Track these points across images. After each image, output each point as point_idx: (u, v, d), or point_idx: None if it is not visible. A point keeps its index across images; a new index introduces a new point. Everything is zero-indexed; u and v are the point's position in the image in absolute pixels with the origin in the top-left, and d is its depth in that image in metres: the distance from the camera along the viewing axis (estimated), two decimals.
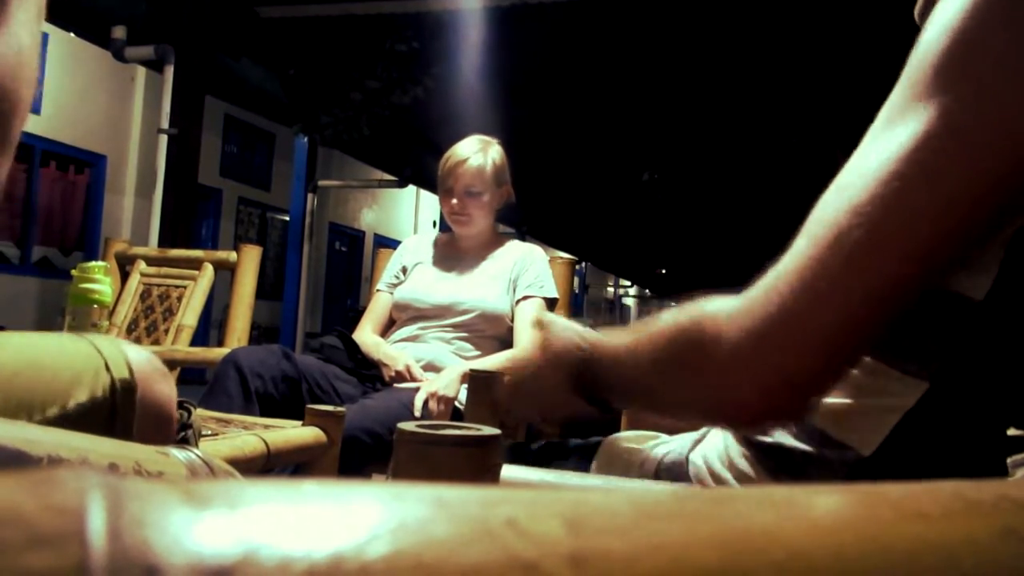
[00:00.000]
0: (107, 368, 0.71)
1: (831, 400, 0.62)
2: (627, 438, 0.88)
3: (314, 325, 9.44)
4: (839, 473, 0.61)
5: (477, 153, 1.92)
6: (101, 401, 0.70)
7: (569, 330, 0.69)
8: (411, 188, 10.70)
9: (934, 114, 0.46)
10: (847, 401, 0.61)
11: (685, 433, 0.83)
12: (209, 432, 1.20)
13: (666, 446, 0.80)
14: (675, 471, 0.75)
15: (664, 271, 17.10)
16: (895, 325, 0.53)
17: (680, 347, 0.54)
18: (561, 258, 2.13)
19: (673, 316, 0.56)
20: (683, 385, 0.56)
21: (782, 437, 0.65)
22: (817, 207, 0.50)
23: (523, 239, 2.23)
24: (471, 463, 0.37)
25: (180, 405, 0.95)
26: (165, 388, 0.76)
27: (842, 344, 0.49)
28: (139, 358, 0.74)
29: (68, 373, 0.70)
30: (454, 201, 1.92)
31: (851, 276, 0.47)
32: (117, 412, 0.70)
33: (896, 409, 0.59)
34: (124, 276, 2.44)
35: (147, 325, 2.33)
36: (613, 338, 0.64)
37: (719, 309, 0.52)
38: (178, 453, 0.53)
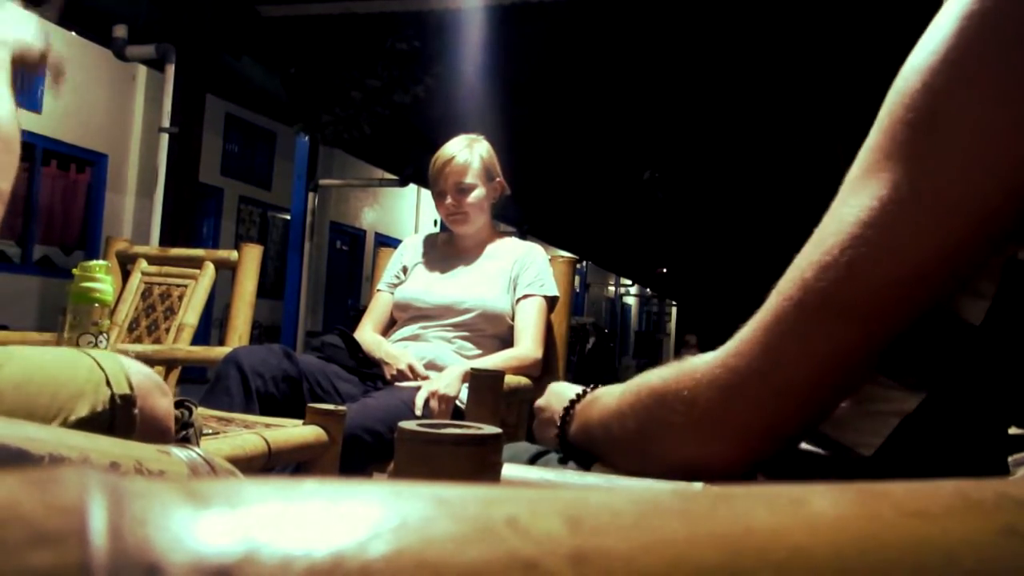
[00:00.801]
0: (107, 383, 0.72)
1: None
2: None
3: (315, 324, 9.44)
4: (841, 473, 0.61)
5: (463, 150, 1.92)
6: (101, 415, 0.70)
7: (562, 396, 0.76)
8: (412, 187, 10.70)
9: (898, 178, 0.47)
10: (843, 405, 0.61)
11: None
12: (210, 431, 1.20)
13: None
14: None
15: (665, 270, 17.10)
16: (894, 345, 0.54)
17: (656, 409, 0.57)
18: (562, 257, 2.13)
19: (651, 377, 0.59)
20: (662, 444, 0.58)
21: None
22: (794, 262, 0.51)
23: (524, 238, 2.23)
24: (472, 462, 0.37)
25: (181, 404, 0.95)
26: (164, 403, 0.77)
27: (810, 398, 0.52)
28: (139, 373, 0.75)
29: (69, 387, 0.70)
30: (448, 201, 1.92)
31: (813, 336, 0.50)
32: (117, 426, 0.71)
33: (895, 413, 0.59)
34: (125, 275, 2.44)
35: (148, 324, 2.33)
36: (603, 399, 0.68)
37: (694, 368, 0.54)
38: (179, 452, 0.53)
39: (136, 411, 0.72)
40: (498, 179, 1.97)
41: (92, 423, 0.69)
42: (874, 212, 0.48)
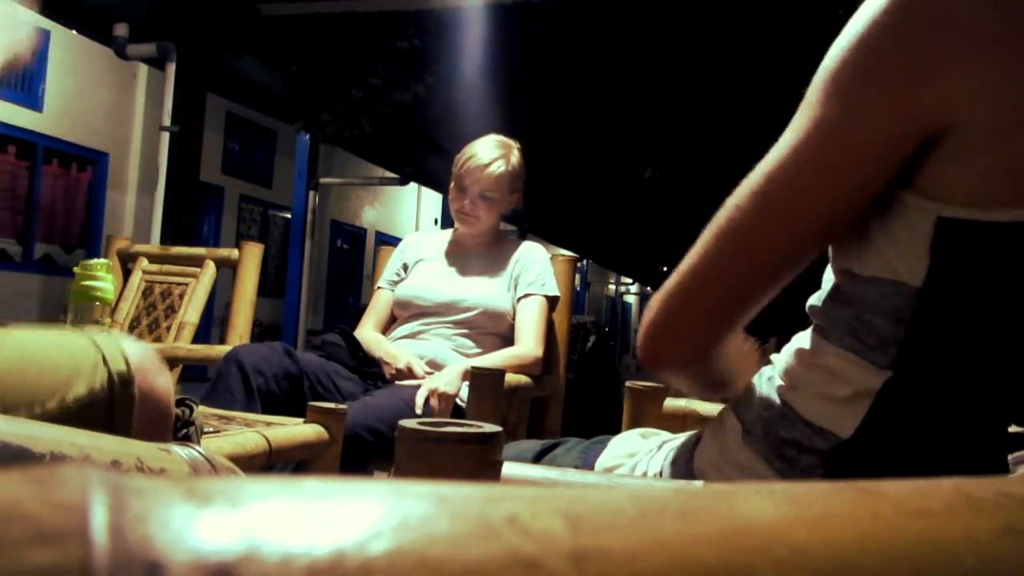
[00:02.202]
0: (104, 362, 0.71)
1: (804, 390, 0.64)
2: (631, 435, 0.88)
3: (316, 323, 9.44)
4: (826, 458, 0.63)
5: (499, 160, 1.91)
6: (99, 394, 0.70)
7: None
8: (412, 186, 10.69)
9: (807, 126, 0.58)
10: (816, 390, 0.63)
11: (686, 431, 0.83)
12: (211, 429, 1.20)
13: (672, 442, 0.81)
14: (677, 467, 0.76)
15: (666, 269, 17.09)
16: (855, 318, 0.63)
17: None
18: (562, 255, 2.13)
19: None
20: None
21: (781, 428, 0.66)
22: (742, 196, 0.63)
23: (524, 237, 2.23)
24: (473, 460, 0.37)
25: (182, 402, 0.95)
26: (162, 381, 0.76)
27: (716, 312, 0.65)
28: (136, 352, 0.75)
29: (66, 367, 0.70)
30: (466, 201, 1.92)
31: (727, 266, 0.63)
32: (115, 405, 0.71)
33: (865, 394, 0.61)
34: (126, 273, 2.44)
35: (149, 322, 2.33)
36: None
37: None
38: (180, 450, 0.53)
39: (135, 390, 0.72)
40: (519, 192, 1.97)
41: (90, 403, 0.69)
42: (784, 156, 0.59)
